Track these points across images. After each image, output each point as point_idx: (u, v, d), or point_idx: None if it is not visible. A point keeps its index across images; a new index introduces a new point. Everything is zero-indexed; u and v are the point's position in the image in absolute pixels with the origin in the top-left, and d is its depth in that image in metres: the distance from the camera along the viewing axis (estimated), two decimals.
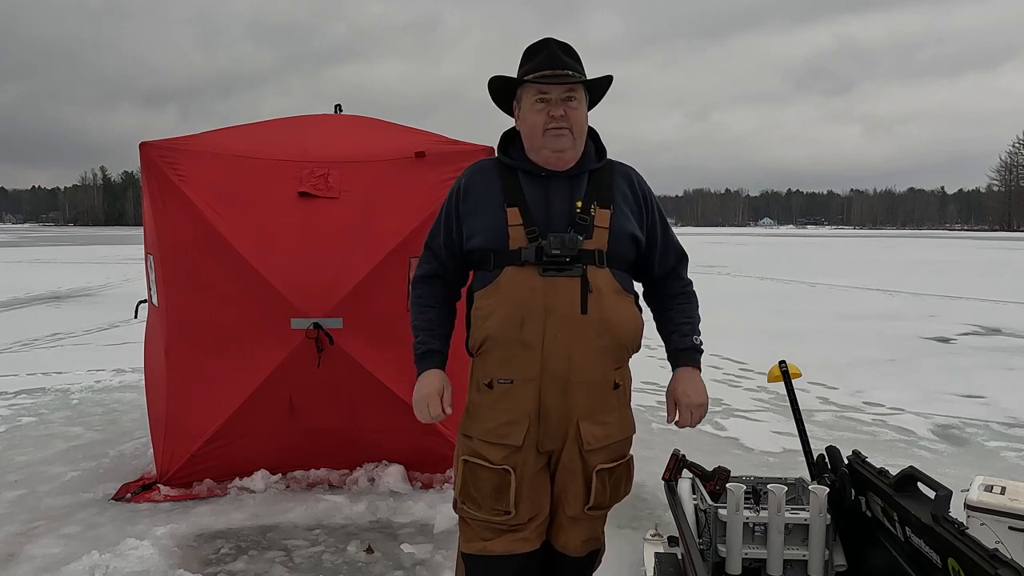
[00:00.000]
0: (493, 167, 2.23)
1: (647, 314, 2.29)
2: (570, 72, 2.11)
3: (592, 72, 2.20)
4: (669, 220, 2.35)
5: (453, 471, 2.26)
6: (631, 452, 2.28)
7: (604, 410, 2.16)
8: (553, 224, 2.10)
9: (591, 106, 2.25)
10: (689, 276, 2.37)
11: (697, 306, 2.34)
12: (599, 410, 2.15)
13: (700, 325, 2.31)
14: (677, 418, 2.23)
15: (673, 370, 2.29)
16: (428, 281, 2.29)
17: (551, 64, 2.11)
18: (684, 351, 2.26)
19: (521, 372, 2.10)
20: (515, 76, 2.18)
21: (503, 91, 2.23)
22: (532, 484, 2.15)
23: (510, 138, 2.27)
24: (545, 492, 2.19)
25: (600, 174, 2.20)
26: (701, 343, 2.28)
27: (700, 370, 2.26)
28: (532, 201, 2.13)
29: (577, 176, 2.17)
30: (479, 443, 2.15)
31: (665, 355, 2.30)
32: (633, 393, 2.33)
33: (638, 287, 2.30)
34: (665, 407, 2.28)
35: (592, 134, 2.26)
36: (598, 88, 2.24)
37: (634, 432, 2.28)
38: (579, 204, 2.12)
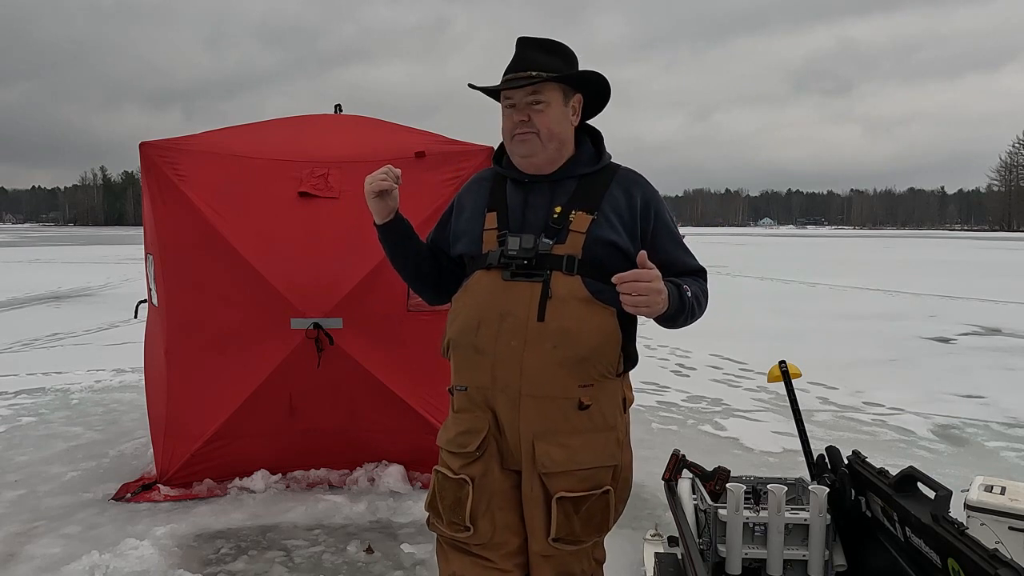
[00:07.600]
0: (488, 176, 2.20)
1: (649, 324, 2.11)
2: (532, 72, 1.98)
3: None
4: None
5: None
6: (611, 485, 2.02)
7: (564, 431, 1.97)
8: (527, 228, 2.01)
9: (596, 109, 2.15)
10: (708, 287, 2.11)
11: (705, 296, 2.06)
12: (557, 430, 1.97)
13: (698, 310, 2.02)
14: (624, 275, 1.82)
15: None
16: None
17: (514, 66, 2.02)
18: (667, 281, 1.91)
19: (474, 379, 2.02)
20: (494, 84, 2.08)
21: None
22: (496, 502, 2.02)
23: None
24: (514, 515, 2.04)
25: (593, 179, 2.07)
26: (691, 297, 1.97)
27: (671, 306, 1.89)
28: (512, 207, 2.06)
29: (562, 181, 2.06)
30: (444, 453, 2.11)
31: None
32: (633, 393, 2.21)
33: None
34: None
35: (594, 137, 2.16)
36: (589, 87, 2.09)
37: (616, 462, 2.04)
38: (558, 209, 2.01)
